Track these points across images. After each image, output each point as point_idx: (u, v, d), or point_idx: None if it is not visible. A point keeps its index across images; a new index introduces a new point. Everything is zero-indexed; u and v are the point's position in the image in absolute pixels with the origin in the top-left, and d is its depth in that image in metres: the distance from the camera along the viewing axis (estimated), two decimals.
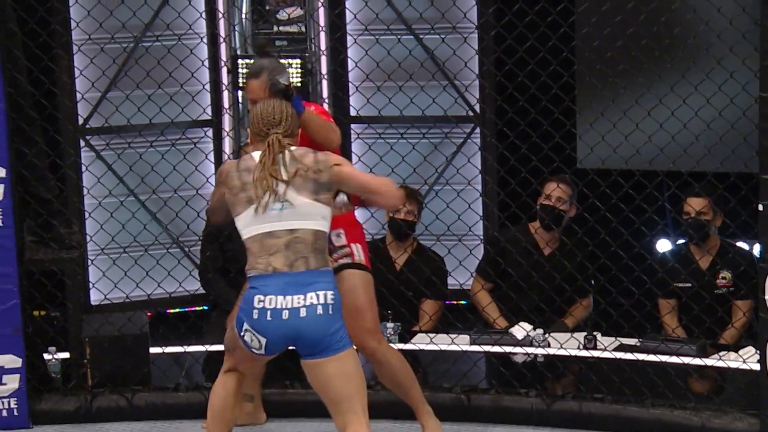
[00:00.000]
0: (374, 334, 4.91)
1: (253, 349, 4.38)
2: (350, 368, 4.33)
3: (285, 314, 4.27)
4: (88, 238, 6.42)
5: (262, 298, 4.30)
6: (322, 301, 4.28)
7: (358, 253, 4.91)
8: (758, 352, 5.01)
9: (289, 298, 4.28)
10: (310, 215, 4.34)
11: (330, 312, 4.29)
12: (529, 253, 6.21)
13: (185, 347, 5.94)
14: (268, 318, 4.29)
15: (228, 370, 4.61)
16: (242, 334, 4.37)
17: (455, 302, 6.85)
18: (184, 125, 6.69)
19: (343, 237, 4.90)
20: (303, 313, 4.27)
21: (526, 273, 6.05)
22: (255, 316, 4.30)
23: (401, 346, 5.88)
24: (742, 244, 6.27)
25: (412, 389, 5.00)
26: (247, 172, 4.40)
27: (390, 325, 5.99)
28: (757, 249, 5.93)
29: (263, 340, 4.33)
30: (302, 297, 4.28)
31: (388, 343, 5.07)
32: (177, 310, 6.79)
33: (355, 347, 4.45)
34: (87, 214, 6.41)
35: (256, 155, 4.40)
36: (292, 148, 4.40)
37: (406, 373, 4.98)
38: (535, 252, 6.26)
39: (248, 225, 4.39)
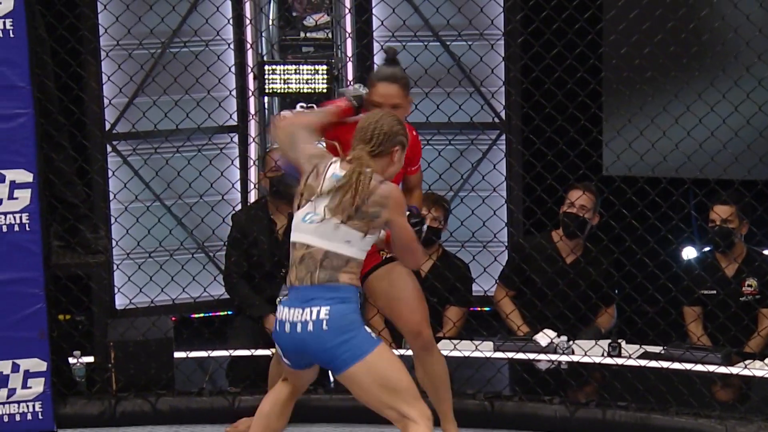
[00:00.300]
0: (427, 322, 4.86)
1: (283, 359, 4.42)
2: (369, 379, 4.27)
3: (287, 327, 4.30)
4: (114, 243, 6.46)
5: (280, 309, 4.35)
6: (314, 317, 4.25)
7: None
8: None
9: (292, 311, 4.29)
10: (330, 235, 4.29)
11: (324, 327, 4.24)
12: (551, 260, 6.20)
13: (209, 352, 5.95)
14: (277, 329, 4.35)
15: (286, 378, 4.60)
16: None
17: (479, 309, 6.84)
18: (211, 131, 6.71)
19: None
20: (299, 328, 4.27)
21: (548, 281, 6.04)
22: (276, 327, 4.37)
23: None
24: None
25: (447, 392, 4.94)
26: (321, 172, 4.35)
27: None
28: None
29: (280, 350, 4.38)
30: (301, 312, 4.28)
31: (436, 351, 4.97)
32: (201, 314, 6.82)
33: (376, 349, 4.30)
34: (113, 219, 6.44)
35: (338, 165, 4.34)
36: (367, 170, 4.29)
37: (446, 373, 4.93)
38: (557, 260, 6.24)
39: (293, 228, 4.40)
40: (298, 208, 4.36)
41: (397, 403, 4.27)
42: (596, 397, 5.40)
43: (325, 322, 4.24)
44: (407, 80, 4.82)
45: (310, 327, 4.25)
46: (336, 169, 4.34)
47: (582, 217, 6.20)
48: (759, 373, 5.54)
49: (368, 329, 4.32)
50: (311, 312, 4.26)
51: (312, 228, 4.30)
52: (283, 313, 4.31)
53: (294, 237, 4.36)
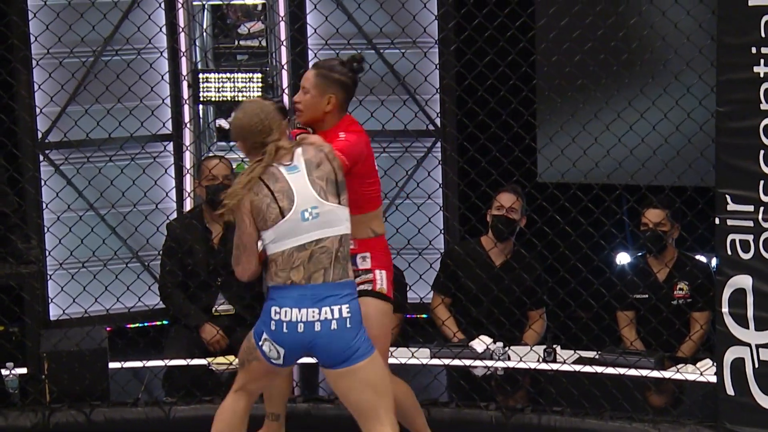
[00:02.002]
0: None
1: (272, 360, 4.39)
2: (370, 376, 4.35)
3: (300, 327, 4.30)
4: (46, 253, 6.39)
5: (278, 309, 4.32)
6: (336, 315, 4.30)
7: (381, 280, 4.77)
8: (715, 364, 5.04)
9: (303, 311, 4.29)
10: (335, 221, 4.34)
11: (348, 325, 4.31)
12: (483, 265, 6.23)
13: (144, 362, 5.92)
14: (284, 330, 4.31)
15: (239, 389, 4.56)
16: (261, 344, 4.39)
17: (416, 316, 6.86)
18: (144, 139, 6.67)
19: (369, 261, 4.77)
20: (318, 327, 4.29)
21: (480, 286, 6.07)
22: (272, 327, 4.34)
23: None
24: (701, 257, 6.32)
25: (417, 418, 4.95)
26: (270, 187, 4.33)
27: None
28: (714, 262, 5.98)
29: (281, 351, 4.35)
30: (317, 311, 4.29)
31: (392, 375, 4.87)
32: (137, 324, 6.77)
33: (375, 351, 4.41)
34: (46, 229, 6.39)
35: (282, 169, 4.35)
36: (297, 146, 4.36)
37: (410, 402, 4.92)
38: (488, 264, 6.28)
39: (277, 239, 4.34)
40: (274, 223, 4.30)
41: (380, 406, 4.35)
42: (532, 403, 5.44)
43: (348, 320, 4.30)
44: (333, 77, 4.69)
45: (334, 326, 4.29)
46: (296, 160, 4.34)
47: (510, 218, 6.25)
48: (691, 377, 5.60)
49: None
50: (332, 311, 4.28)
51: (317, 223, 4.31)
52: (290, 314, 4.29)
53: (296, 242, 4.31)
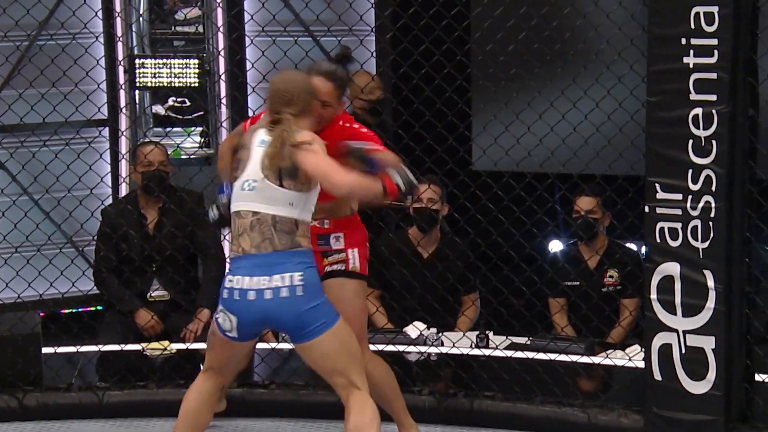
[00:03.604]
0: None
1: (226, 332, 4.36)
2: (335, 345, 4.33)
3: (251, 295, 4.27)
4: None
5: (231, 278, 4.31)
6: (287, 283, 4.26)
7: (354, 259, 4.79)
8: (643, 350, 5.12)
9: (255, 279, 4.27)
10: (273, 199, 4.30)
11: (299, 293, 4.27)
12: (408, 258, 6.25)
13: (78, 347, 5.90)
14: (236, 298, 4.29)
15: (206, 369, 4.55)
16: (216, 315, 4.39)
17: None
18: (79, 125, 6.64)
19: (342, 241, 4.80)
20: (268, 295, 4.26)
21: (408, 278, 6.09)
22: (225, 295, 4.33)
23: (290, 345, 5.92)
24: (631, 245, 6.41)
25: (395, 401, 4.95)
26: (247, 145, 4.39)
27: None
28: (643, 249, 6.07)
29: (234, 319, 4.31)
30: (268, 278, 4.26)
31: (372, 354, 4.94)
32: (70, 310, 6.75)
33: (340, 319, 4.38)
34: None
35: (263, 131, 4.37)
36: (296, 131, 4.33)
37: (389, 385, 4.91)
38: (415, 257, 6.29)
39: (232, 200, 4.41)
40: (234, 180, 4.37)
41: (349, 371, 4.35)
42: (464, 388, 5.49)
43: (300, 287, 4.26)
44: (345, 82, 4.74)
45: (285, 293, 4.25)
46: (262, 136, 4.37)
47: (430, 209, 6.28)
48: (620, 363, 5.69)
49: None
50: (282, 278, 4.25)
51: (253, 195, 4.31)
52: (242, 281, 4.27)
53: (236, 206, 4.34)
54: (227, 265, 4.43)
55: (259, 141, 4.38)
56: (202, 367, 4.61)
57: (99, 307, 6.86)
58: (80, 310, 6.79)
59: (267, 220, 4.30)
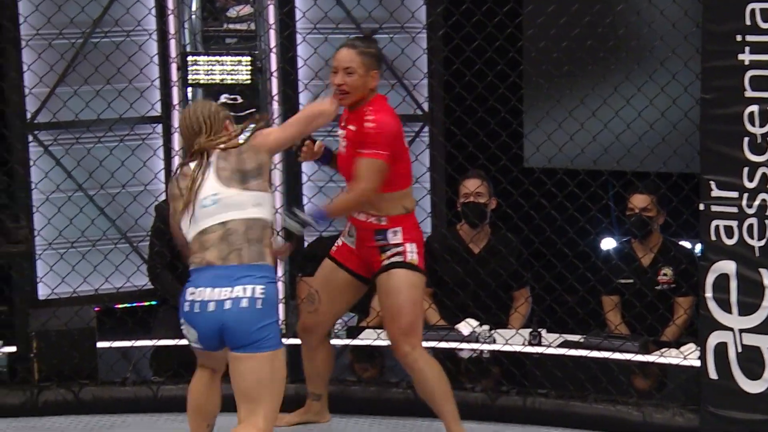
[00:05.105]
0: (408, 337, 4.84)
1: (191, 342, 4.37)
2: (266, 371, 4.23)
3: (211, 306, 4.22)
4: (35, 233, 6.42)
5: (193, 290, 4.27)
6: (249, 294, 4.21)
7: (412, 252, 4.84)
8: (698, 348, 5.10)
9: (217, 290, 4.23)
10: (239, 204, 4.28)
11: (258, 306, 4.21)
12: (460, 254, 6.24)
13: (133, 342, 5.95)
14: (196, 310, 4.26)
15: (199, 365, 4.61)
16: (181, 327, 4.37)
17: None
18: (133, 121, 6.69)
19: (400, 235, 4.84)
20: (228, 305, 4.21)
21: (461, 276, 6.08)
22: (186, 308, 4.29)
23: (349, 341, 5.94)
24: (685, 243, 6.37)
25: (445, 404, 4.93)
26: (183, 180, 4.38)
27: (339, 320, 6.01)
28: (698, 248, 6.03)
29: (194, 333, 4.30)
30: (229, 290, 4.22)
31: (425, 352, 4.95)
32: (125, 305, 6.80)
33: (283, 349, 4.31)
34: (35, 209, 6.40)
35: (193, 165, 4.38)
36: (222, 146, 4.35)
37: (440, 386, 4.91)
38: (466, 253, 6.27)
39: (189, 228, 4.34)
40: (182, 215, 4.33)
41: (260, 405, 4.22)
42: (517, 385, 5.49)
43: (260, 300, 4.22)
44: (371, 53, 4.80)
45: (244, 303, 4.20)
46: (187, 169, 4.37)
47: (480, 203, 6.26)
48: (674, 361, 5.67)
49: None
50: (245, 289, 4.22)
51: (217, 208, 4.28)
52: (203, 293, 4.23)
53: (200, 226, 4.29)
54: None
55: (197, 167, 4.35)
56: None
57: (153, 302, 6.90)
58: (135, 304, 6.84)
59: (238, 229, 4.27)
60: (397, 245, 4.82)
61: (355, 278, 5.03)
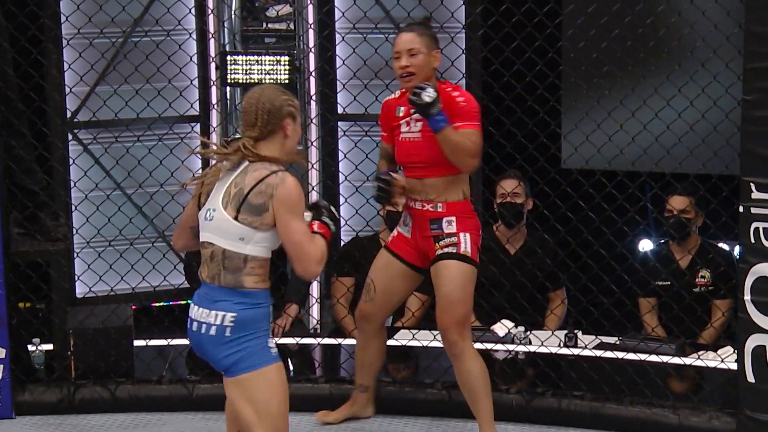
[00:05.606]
0: (459, 327, 4.86)
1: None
2: (252, 392, 4.06)
3: (194, 325, 4.13)
4: (74, 231, 6.45)
5: (192, 305, 4.18)
6: (218, 321, 4.05)
7: (465, 243, 4.86)
8: (736, 351, 5.05)
9: (200, 310, 4.11)
10: (226, 232, 4.05)
11: (226, 334, 4.04)
12: (496, 254, 6.22)
13: (169, 340, 5.98)
14: (188, 325, 4.17)
15: None
16: None
17: None
18: (172, 120, 6.72)
19: (454, 225, 4.87)
20: (203, 329, 4.09)
21: (495, 276, 6.06)
22: (187, 323, 4.20)
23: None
24: (723, 245, 6.32)
25: (483, 401, 4.93)
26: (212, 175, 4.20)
27: None
28: (737, 250, 5.98)
29: (191, 344, 4.22)
30: (207, 312, 4.09)
31: (473, 346, 4.95)
32: (162, 303, 6.83)
33: (275, 365, 4.10)
34: (73, 207, 6.44)
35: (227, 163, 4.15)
36: (253, 160, 4.07)
37: (481, 381, 4.91)
38: (502, 253, 6.25)
39: (200, 228, 4.19)
40: (200, 208, 4.15)
41: (257, 427, 4.08)
42: (552, 387, 5.47)
43: (229, 329, 4.04)
44: (430, 33, 4.88)
45: (213, 331, 4.05)
46: (240, 166, 4.11)
47: (516, 204, 6.24)
48: (711, 364, 5.63)
49: (270, 341, 4.11)
50: (216, 316, 4.05)
51: (212, 225, 4.08)
52: (193, 310, 4.14)
53: (201, 237, 4.14)
54: None
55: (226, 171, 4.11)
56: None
57: (189, 301, 6.90)
58: (171, 303, 6.87)
59: (218, 254, 4.07)
60: (450, 235, 4.84)
61: (410, 269, 5.07)
